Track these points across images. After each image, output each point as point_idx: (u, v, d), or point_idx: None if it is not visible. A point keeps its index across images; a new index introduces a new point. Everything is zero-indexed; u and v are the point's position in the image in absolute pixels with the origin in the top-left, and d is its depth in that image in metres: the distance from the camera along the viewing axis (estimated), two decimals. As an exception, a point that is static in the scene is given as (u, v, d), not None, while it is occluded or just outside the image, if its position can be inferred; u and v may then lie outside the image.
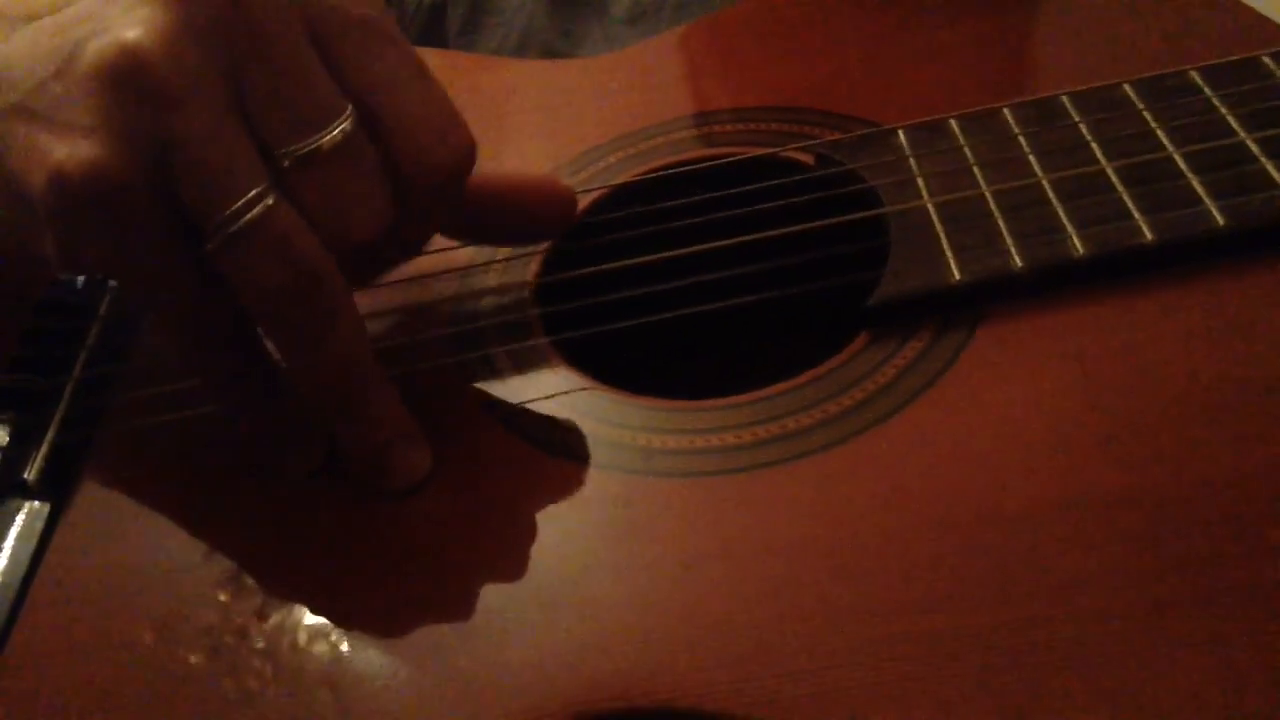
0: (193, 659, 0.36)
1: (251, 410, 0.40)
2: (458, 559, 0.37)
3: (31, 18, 0.39)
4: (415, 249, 0.43)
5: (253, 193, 0.34)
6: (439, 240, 0.45)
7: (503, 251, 0.48)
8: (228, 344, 0.39)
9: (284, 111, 0.35)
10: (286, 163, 0.35)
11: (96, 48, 0.35)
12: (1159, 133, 0.42)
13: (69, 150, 0.35)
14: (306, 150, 0.35)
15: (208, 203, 0.35)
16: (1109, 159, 0.42)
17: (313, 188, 0.35)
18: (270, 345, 0.39)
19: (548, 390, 0.42)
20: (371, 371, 0.38)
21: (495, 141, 0.55)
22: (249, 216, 0.34)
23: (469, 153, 0.38)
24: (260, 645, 0.36)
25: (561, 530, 0.37)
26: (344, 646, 0.35)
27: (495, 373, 0.43)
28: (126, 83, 0.34)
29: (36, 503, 0.42)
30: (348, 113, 0.36)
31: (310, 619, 0.36)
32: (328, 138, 0.35)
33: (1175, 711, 0.29)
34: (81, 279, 0.50)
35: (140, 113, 0.34)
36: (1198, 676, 0.29)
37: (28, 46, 0.37)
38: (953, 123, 0.46)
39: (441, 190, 0.38)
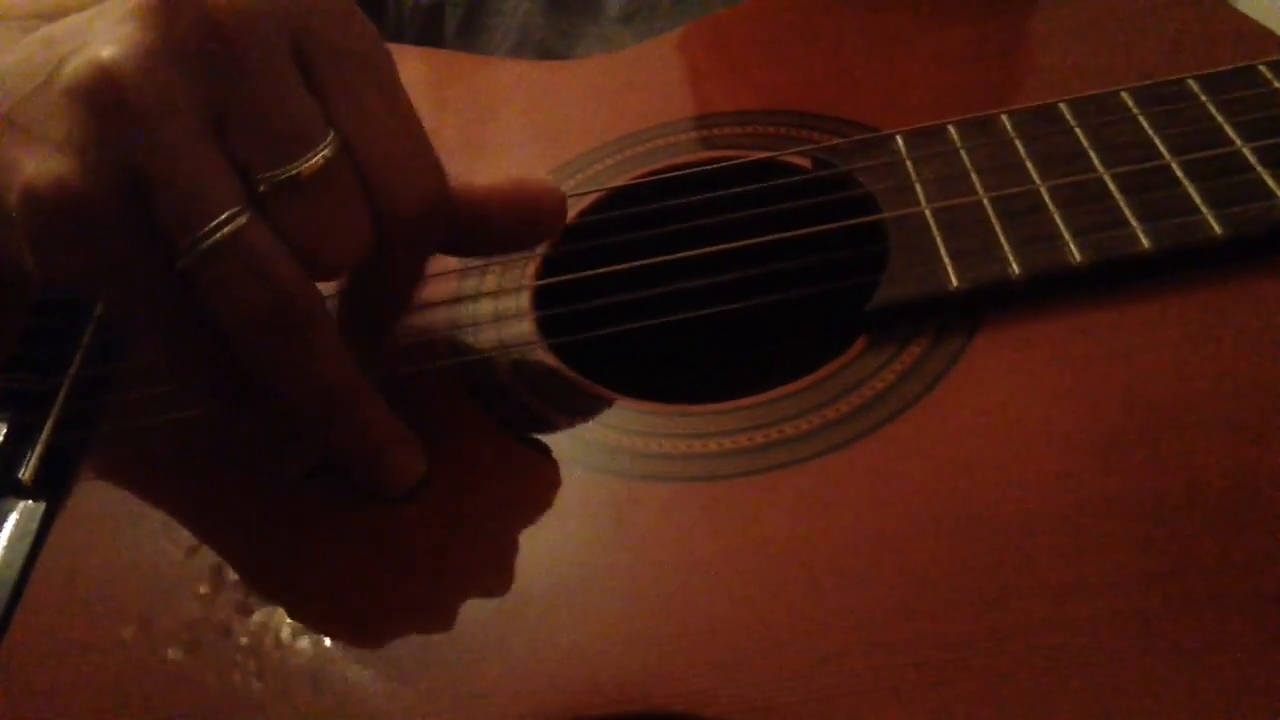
0: (186, 658, 0.36)
1: (240, 416, 0.40)
2: (453, 562, 0.37)
3: (36, 17, 0.39)
4: (409, 285, 0.42)
5: (225, 213, 0.34)
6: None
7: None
8: (211, 357, 0.38)
9: (263, 137, 0.35)
10: (264, 188, 0.35)
11: (74, 65, 0.35)
12: (1156, 140, 0.42)
13: (39, 165, 0.35)
14: (285, 177, 0.35)
15: (179, 221, 0.35)
16: (1106, 166, 0.42)
17: (291, 214, 0.35)
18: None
19: (544, 394, 0.42)
20: (355, 387, 0.38)
21: (492, 143, 0.55)
22: (221, 235, 0.34)
23: (438, 198, 0.38)
24: (256, 648, 0.36)
25: (558, 535, 0.37)
26: (341, 650, 0.35)
27: (492, 376, 0.43)
28: (98, 100, 0.34)
29: (32, 503, 0.42)
30: (329, 139, 0.35)
31: (306, 623, 0.36)
32: (307, 165, 0.35)
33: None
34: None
35: (111, 131, 0.34)
36: (1193, 684, 0.29)
37: (22, 58, 0.37)
38: (951, 128, 0.46)
39: (416, 225, 0.38)
